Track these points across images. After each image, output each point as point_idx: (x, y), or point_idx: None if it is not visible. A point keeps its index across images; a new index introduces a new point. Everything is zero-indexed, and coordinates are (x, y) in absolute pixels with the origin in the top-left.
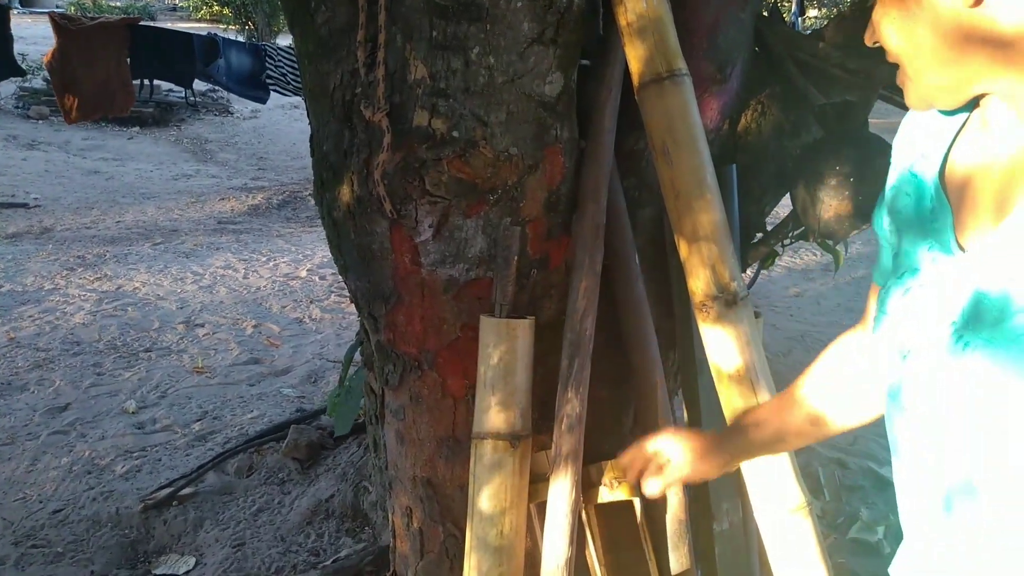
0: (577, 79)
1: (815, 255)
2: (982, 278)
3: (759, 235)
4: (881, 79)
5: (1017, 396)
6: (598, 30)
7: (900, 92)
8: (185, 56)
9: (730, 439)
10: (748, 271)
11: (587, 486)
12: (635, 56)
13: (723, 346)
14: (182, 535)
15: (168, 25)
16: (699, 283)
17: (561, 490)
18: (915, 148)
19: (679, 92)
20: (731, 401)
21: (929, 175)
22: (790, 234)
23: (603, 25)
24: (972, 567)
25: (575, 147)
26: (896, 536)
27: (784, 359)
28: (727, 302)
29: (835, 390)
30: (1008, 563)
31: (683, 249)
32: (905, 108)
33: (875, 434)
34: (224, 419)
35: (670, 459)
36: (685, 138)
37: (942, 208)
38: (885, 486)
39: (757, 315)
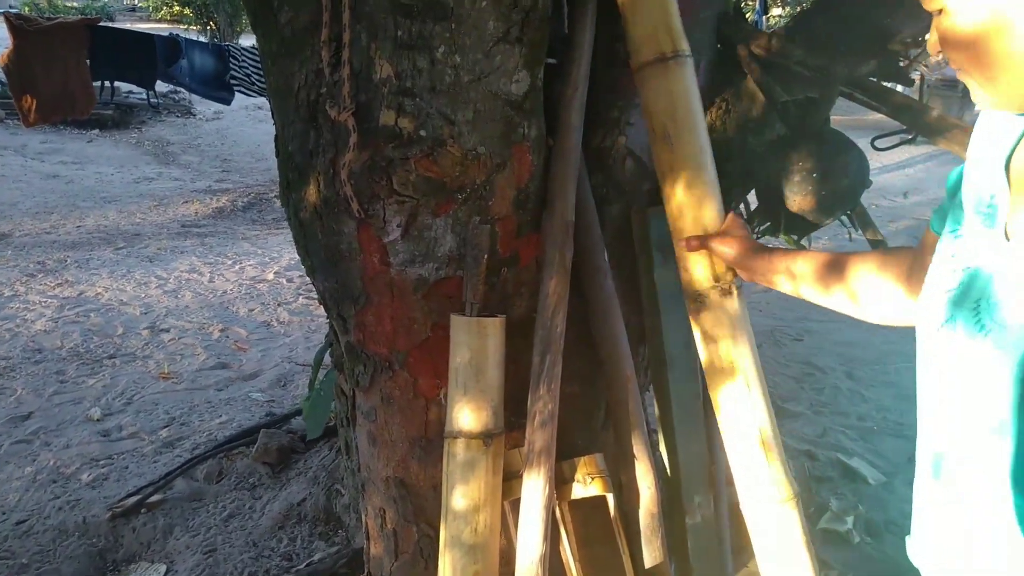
0: (544, 77)
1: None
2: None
3: None
4: (841, 76)
5: (1006, 393)
6: (563, 28)
7: (860, 88)
8: (147, 57)
9: (760, 263)
10: None
11: (560, 482)
12: (637, 34)
13: (717, 334)
14: (151, 543)
15: (128, 26)
16: (697, 272)
17: (534, 486)
18: (990, 138)
19: (683, 74)
20: (723, 390)
21: (998, 163)
22: (756, 229)
23: (568, 23)
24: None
25: (543, 145)
26: (865, 525)
27: None
28: (723, 291)
29: (872, 280)
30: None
31: (680, 236)
32: (863, 103)
33: (843, 426)
34: (192, 425)
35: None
36: (687, 122)
37: (1001, 194)
38: (853, 477)
39: None
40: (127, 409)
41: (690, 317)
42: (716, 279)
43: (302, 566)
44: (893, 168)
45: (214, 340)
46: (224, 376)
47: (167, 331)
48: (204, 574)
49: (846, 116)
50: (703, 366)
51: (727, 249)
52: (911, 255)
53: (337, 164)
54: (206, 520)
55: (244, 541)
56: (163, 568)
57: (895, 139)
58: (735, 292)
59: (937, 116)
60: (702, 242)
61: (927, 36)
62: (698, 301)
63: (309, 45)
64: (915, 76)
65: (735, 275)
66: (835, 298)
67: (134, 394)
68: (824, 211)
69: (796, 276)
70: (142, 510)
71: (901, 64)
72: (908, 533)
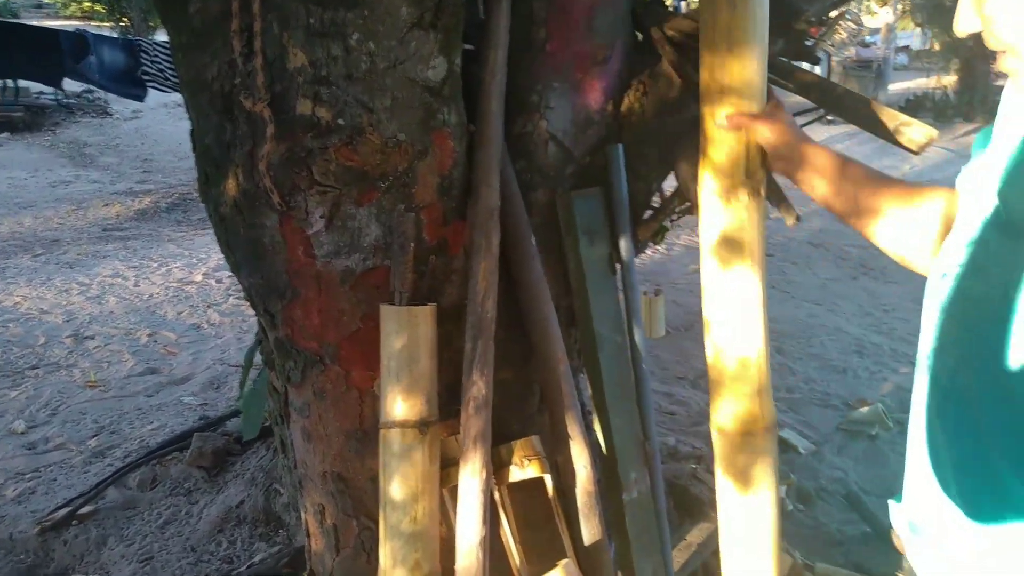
0: (462, 64)
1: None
2: None
3: (648, 212)
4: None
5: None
6: (479, 14)
7: (768, 67)
8: (52, 54)
9: (808, 155)
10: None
11: (498, 467)
12: None
13: (741, 241)
14: (85, 555)
15: (34, 23)
16: (727, 161)
17: (471, 472)
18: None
19: None
20: (732, 280)
21: None
22: (676, 209)
23: (484, 9)
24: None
25: (464, 131)
26: (797, 494)
27: (685, 333)
28: (753, 191)
29: (903, 215)
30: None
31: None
32: (772, 82)
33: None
34: (122, 433)
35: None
36: None
37: None
38: (785, 448)
39: (658, 293)
40: (53, 420)
41: (704, 221)
42: (748, 174)
43: (243, 568)
44: None
45: (142, 345)
46: (154, 381)
47: (92, 338)
48: None
49: None
50: (706, 282)
51: (772, 133)
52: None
53: (255, 156)
54: (141, 528)
55: (182, 547)
56: None
57: (807, 117)
58: (762, 196)
59: (843, 91)
60: (744, 121)
61: (832, 15)
62: (723, 198)
63: (220, 36)
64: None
65: (767, 174)
66: (884, 227)
67: (59, 404)
68: None
69: (845, 181)
70: (73, 522)
71: (808, 44)
72: (838, 499)
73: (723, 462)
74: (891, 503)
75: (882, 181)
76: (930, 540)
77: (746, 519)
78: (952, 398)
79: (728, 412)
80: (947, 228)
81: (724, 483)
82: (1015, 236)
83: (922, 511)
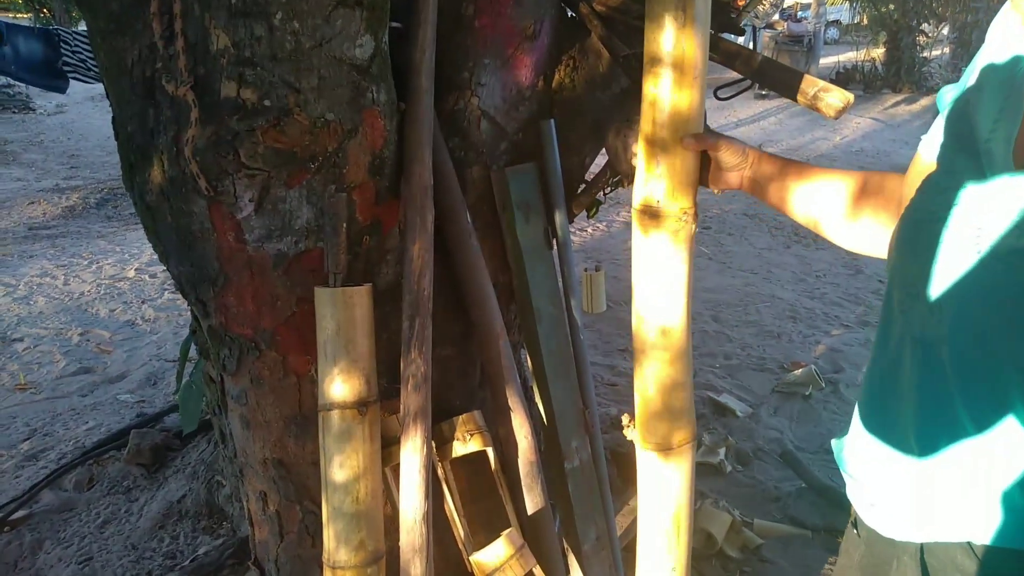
0: (390, 43)
1: None
2: None
3: (582, 186)
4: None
5: None
6: None
7: None
8: None
9: (760, 176)
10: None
11: (441, 443)
12: None
13: (673, 263)
14: (18, 561)
15: None
16: (661, 189)
17: (412, 447)
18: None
19: None
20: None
21: (1011, 77)
22: (609, 181)
23: None
24: None
25: (394, 110)
26: (736, 455)
27: (626, 307)
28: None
29: (853, 209)
30: None
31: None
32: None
33: (711, 366)
34: (56, 434)
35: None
36: None
37: (1015, 114)
38: (723, 412)
39: (599, 268)
40: None
41: (642, 238)
42: (685, 197)
43: (187, 563)
44: (748, 122)
45: (74, 345)
46: (88, 381)
47: (20, 340)
48: None
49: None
50: (639, 300)
51: (724, 146)
52: (899, 186)
53: (180, 141)
54: (79, 529)
55: (123, 545)
56: None
57: (734, 89)
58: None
59: (764, 60)
60: (706, 142)
61: None
62: (663, 220)
63: (139, 19)
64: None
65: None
66: (829, 228)
67: None
68: None
69: (791, 190)
70: (5, 528)
71: (732, 16)
72: (774, 458)
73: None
74: (835, 443)
75: (839, 176)
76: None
77: (661, 478)
78: (919, 341)
79: (649, 379)
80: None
81: (644, 455)
82: (988, 181)
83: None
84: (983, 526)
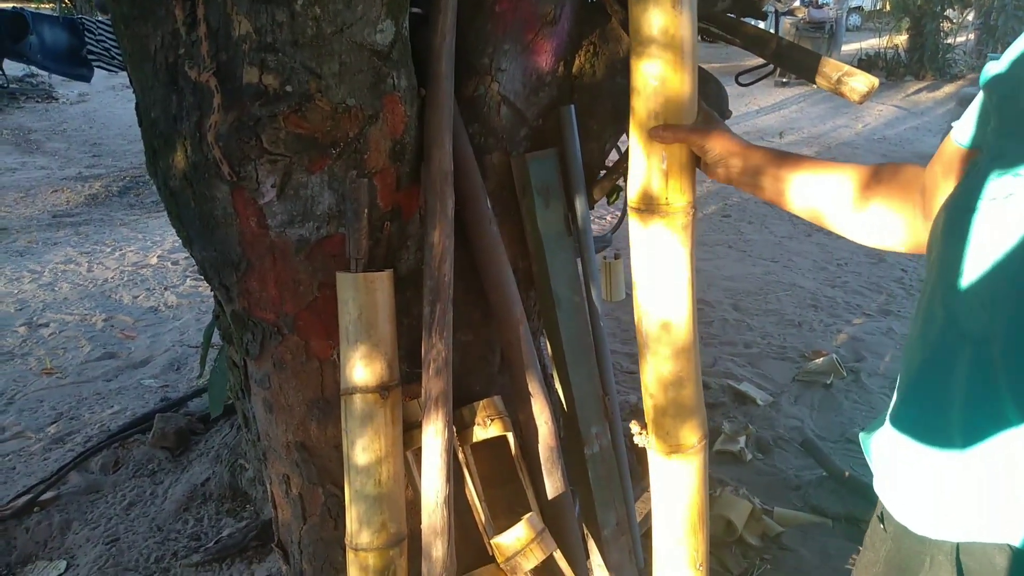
0: (411, 28)
1: None
2: None
3: (602, 172)
4: (698, 12)
5: None
6: None
7: (715, 22)
8: None
9: (747, 170)
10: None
11: (462, 427)
12: None
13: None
14: (48, 540)
15: None
16: (656, 183)
17: (434, 431)
18: None
19: None
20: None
21: None
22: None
23: None
24: None
25: (415, 95)
26: (756, 444)
27: None
28: (689, 210)
29: (883, 204)
30: None
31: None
32: (719, 37)
33: (731, 354)
34: (82, 418)
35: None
36: None
37: None
38: (743, 400)
39: (617, 257)
40: (9, 409)
41: (641, 231)
42: (682, 191)
43: (211, 544)
44: (769, 110)
45: (98, 330)
46: (112, 366)
47: (46, 326)
48: (108, 564)
49: (724, 63)
50: (641, 296)
51: (714, 145)
52: (916, 172)
53: (203, 127)
54: (106, 511)
55: (148, 527)
56: (63, 564)
57: (756, 74)
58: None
59: (787, 44)
60: (680, 135)
61: None
62: (662, 214)
63: (163, 5)
64: (770, 11)
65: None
66: (835, 218)
67: (15, 393)
68: None
69: (788, 181)
70: (35, 509)
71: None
72: (794, 446)
73: (652, 429)
74: (863, 437)
75: (844, 178)
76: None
77: (673, 480)
78: (968, 339)
79: (655, 377)
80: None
81: (655, 458)
82: None
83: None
84: (1022, 526)
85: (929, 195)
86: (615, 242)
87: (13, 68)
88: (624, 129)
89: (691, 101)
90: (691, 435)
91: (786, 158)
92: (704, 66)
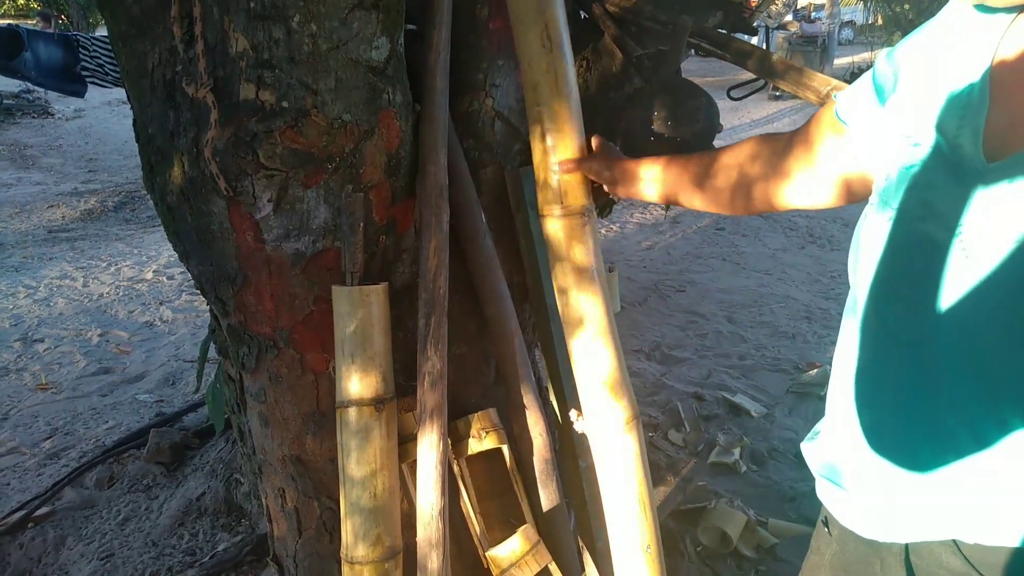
0: (405, 44)
1: (663, 209)
2: (1010, 194)
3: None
4: (686, 28)
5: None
6: None
7: (706, 38)
8: None
9: (629, 173)
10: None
11: (456, 440)
12: None
13: (577, 265)
14: (42, 556)
15: None
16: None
17: (429, 444)
18: (949, 37)
19: None
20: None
21: (971, 70)
22: None
23: None
24: None
25: (410, 111)
26: (751, 455)
27: (640, 308)
28: (586, 218)
29: (734, 178)
30: None
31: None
32: (710, 52)
33: (726, 366)
34: (77, 433)
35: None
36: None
37: (980, 107)
38: (738, 412)
39: (612, 269)
40: (3, 425)
41: (548, 247)
42: (581, 196)
43: (207, 559)
44: (762, 122)
45: (94, 345)
46: (107, 381)
47: (41, 341)
48: None
49: (718, 77)
50: (558, 290)
51: (599, 166)
52: (784, 140)
53: (200, 142)
54: (100, 526)
55: (143, 542)
56: None
57: (748, 88)
58: (592, 220)
59: (777, 59)
60: (571, 165)
61: None
62: (565, 217)
63: (160, 22)
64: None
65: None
66: (704, 197)
67: (10, 408)
68: None
69: (662, 181)
70: (29, 524)
71: (744, 15)
72: (789, 458)
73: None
74: (804, 446)
75: (704, 161)
76: (862, 488)
77: (608, 460)
78: (900, 343)
79: (583, 362)
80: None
81: (594, 440)
82: (962, 177)
83: (848, 458)
84: (970, 523)
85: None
86: (609, 255)
87: (8, 84)
88: (616, 142)
89: (578, 121)
90: (620, 413)
91: (660, 160)
92: (696, 80)
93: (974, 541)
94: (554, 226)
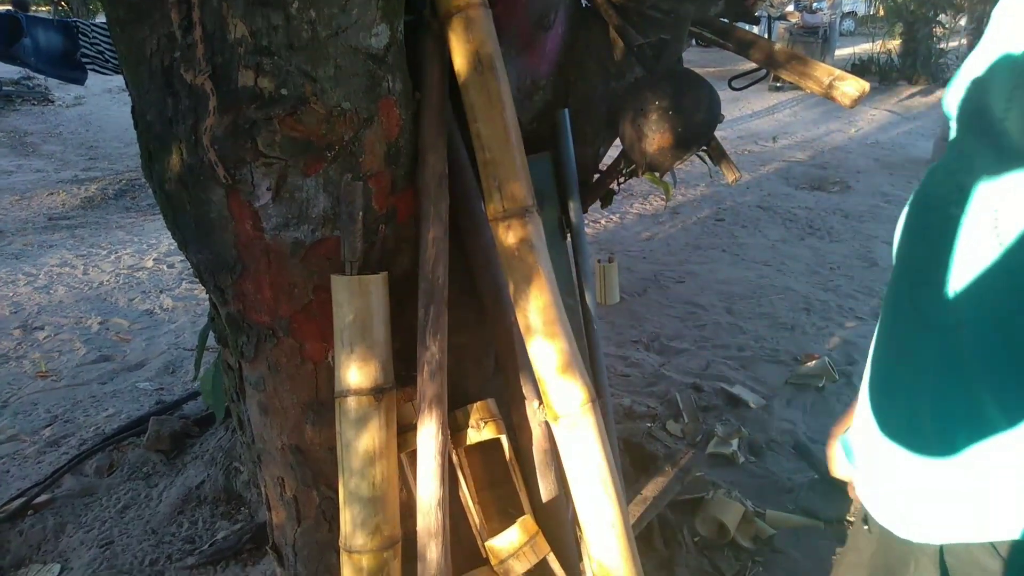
0: (405, 32)
1: (663, 199)
2: None
3: (596, 176)
4: (688, 17)
5: None
6: None
7: (707, 27)
8: None
9: None
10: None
11: (456, 430)
12: None
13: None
14: (42, 543)
15: None
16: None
17: (428, 433)
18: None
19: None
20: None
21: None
22: (623, 171)
23: None
24: None
25: (410, 99)
26: (748, 446)
27: (639, 299)
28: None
29: None
30: None
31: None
32: (712, 42)
33: (724, 357)
34: (77, 421)
35: None
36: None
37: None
38: (736, 403)
39: (612, 260)
40: (2, 412)
41: (500, 235)
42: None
43: (206, 547)
44: (763, 114)
45: (93, 333)
46: (108, 369)
47: (41, 329)
48: (102, 567)
49: (718, 68)
50: (512, 285)
51: None
52: None
53: (198, 130)
54: (100, 514)
55: (142, 530)
56: (57, 567)
57: (749, 79)
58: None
59: (780, 49)
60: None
61: None
62: (512, 219)
63: (158, 8)
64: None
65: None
66: None
67: (9, 396)
68: (682, 146)
69: None
70: (28, 512)
71: (746, 4)
72: (787, 449)
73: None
74: (839, 444)
75: None
76: (890, 476)
77: (571, 445)
78: (933, 327)
79: (538, 350)
80: None
81: (554, 426)
82: (1003, 160)
83: (878, 446)
84: (1008, 523)
85: None
86: (609, 245)
87: (8, 71)
88: (616, 134)
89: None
90: (575, 395)
91: None
92: (698, 70)
93: (1010, 539)
94: (500, 227)
